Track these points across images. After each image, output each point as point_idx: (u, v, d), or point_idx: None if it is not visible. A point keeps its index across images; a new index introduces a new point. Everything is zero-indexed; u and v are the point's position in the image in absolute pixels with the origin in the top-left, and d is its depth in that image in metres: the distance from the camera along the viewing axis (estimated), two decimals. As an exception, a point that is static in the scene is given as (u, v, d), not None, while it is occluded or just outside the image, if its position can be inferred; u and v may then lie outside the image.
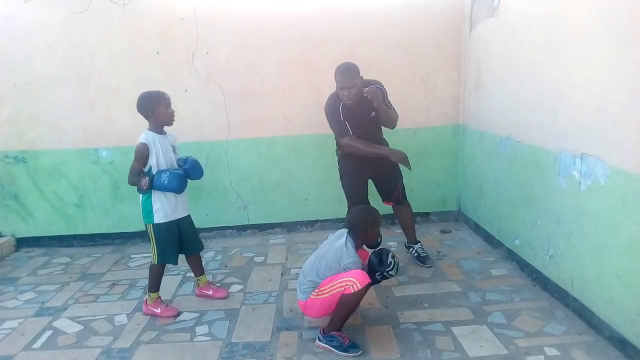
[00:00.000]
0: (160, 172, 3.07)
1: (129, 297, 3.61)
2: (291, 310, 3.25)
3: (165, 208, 3.15)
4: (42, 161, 4.63)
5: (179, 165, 3.22)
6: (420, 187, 4.84)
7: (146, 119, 3.13)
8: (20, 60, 4.42)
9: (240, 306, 3.36)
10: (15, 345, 2.99)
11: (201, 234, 4.75)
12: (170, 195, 3.15)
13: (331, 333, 2.79)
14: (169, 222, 3.18)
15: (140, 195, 3.13)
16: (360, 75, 3.49)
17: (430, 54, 4.61)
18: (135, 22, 4.42)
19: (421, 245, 3.99)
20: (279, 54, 4.52)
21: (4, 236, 4.72)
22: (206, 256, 4.32)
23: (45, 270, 4.22)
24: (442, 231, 4.62)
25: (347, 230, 2.93)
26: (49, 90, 4.48)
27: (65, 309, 3.45)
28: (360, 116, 3.58)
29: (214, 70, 4.54)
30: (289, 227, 4.82)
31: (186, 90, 4.55)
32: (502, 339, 2.77)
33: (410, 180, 4.80)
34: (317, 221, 4.88)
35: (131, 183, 3.09)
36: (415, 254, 3.94)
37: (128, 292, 3.70)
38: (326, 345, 2.77)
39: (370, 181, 3.88)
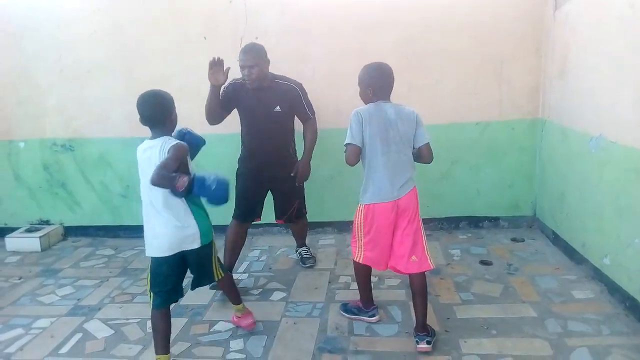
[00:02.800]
0: (203, 176, 2.34)
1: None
2: (336, 328, 2.87)
3: None
4: (88, 150, 4.50)
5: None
6: (489, 188, 4.32)
7: (156, 124, 2.40)
8: (67, 46, 4.29)
9: (281, 318, 3.03)
10: (42, 349, 2.81)
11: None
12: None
13: None
14: None
15: (190, 214, 2.43)
16: (267, 58, 3.21)
17: (504, 39, 4.04)
18: (181, 6, 4.16)
19: (307, 248, 3.90)
20: (332, 41, 4.13)
21: (53, 224, 4.66)
22: (250, 255, 4.04)
23: (88, 262, 4.09)
24: (514, 239, 4.07)
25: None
26: (95, 76, 4.32)
27: (100, 308, 3.27)
28: (262, 109, 3.22)
29: (263, 57, 4.21)
30: (340, 226, 4.43)
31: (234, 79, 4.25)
32: (589, 385, 2.28)
33: (479, 180, 4.32)
34: (371, 221, 4.46)
35: (159, 181, 2.24)
36: (299, 256, 3.86)
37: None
38: None
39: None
